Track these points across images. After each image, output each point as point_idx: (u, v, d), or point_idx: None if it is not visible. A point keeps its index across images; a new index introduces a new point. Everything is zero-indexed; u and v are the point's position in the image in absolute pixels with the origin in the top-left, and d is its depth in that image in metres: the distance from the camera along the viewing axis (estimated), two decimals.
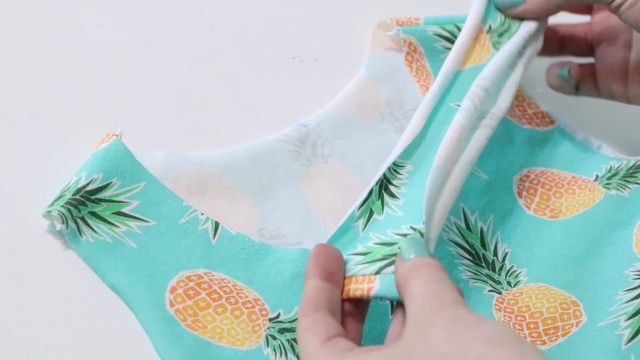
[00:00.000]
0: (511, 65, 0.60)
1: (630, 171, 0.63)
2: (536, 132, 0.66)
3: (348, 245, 0.51)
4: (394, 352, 0.44)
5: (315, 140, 0.60)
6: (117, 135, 0.55)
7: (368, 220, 0.52)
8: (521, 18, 0.62)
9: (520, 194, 0.62)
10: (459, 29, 0.65)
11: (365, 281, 0.49)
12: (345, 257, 0.50)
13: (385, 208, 0.52)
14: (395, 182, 0.54)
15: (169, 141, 0.58)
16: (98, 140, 0.55)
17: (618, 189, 0.62)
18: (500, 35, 0.61)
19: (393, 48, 0.66)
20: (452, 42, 0.65)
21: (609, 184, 0.63)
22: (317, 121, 0.61)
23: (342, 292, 0.49)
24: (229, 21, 0.66)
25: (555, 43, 0.66)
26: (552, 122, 0.67)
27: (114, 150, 0.54)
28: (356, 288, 0.49)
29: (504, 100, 0.59)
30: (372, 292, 0.48)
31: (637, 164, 0.63)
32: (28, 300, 0.50)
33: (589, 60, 0.66)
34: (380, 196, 0.53)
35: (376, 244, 0.50)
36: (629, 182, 0.62)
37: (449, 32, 0.65)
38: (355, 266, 0.49)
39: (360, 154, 0.61)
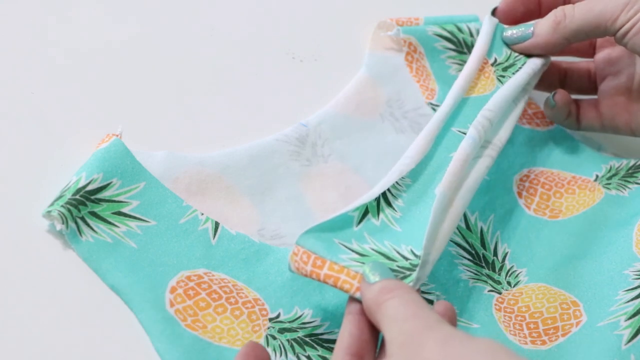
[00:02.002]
0: (514, 99, 0.60)
1: (630, 171, 0.63)
2: (536, 132, 0.66)
3: (341, 230, 0.51)
4: None
5: (315, 140, 0.60)
6: (117, 135, 0.55)
7: (363, 217, 0.52)
8: (529, 53, 0.63)
9: (520, 194, 0.62)
10: (459, 29, 0.66)
11: (357, 279, 0.49)
12: (336, 242, 0.50)
13: (381, 215, 0.52)
14: (392, 190, 0.54)
15: (169, 141, 0.58)
16: (98, 140, 0.55)
17: (618, 189, 0.62)
18: (505, 69, 0.62)
19: (393, 48, 0.66)
20: (452, 42, 0.65)
21: (609, 184, 0.63)
22: (317, 121, 0.61)
23: (322, 275, 0.49)
24: (229, 21, 0.66)
25: (556, 78, 0.66)
26: (552, 122, 0.67)
27: (114, 150, 0.54)
28: (345, 280, 0.49)
29: (505, 132, 0.59)
30: (359, 294, 0.48)
31: (637, 164, 0.63)
32: (28, 300, 0.50)
33: (592, 96, 0.66)
34: (377, 199, 0.53)
35: (373, 249, 0.50)
36: (629, 182, 0.62)
37: (449, 32, 0.65)
38: (350, 260, 0.49)
39: (360, 154, 0.61)
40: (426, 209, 0.53)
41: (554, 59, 0.65)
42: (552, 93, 0.64)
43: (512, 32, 0.63)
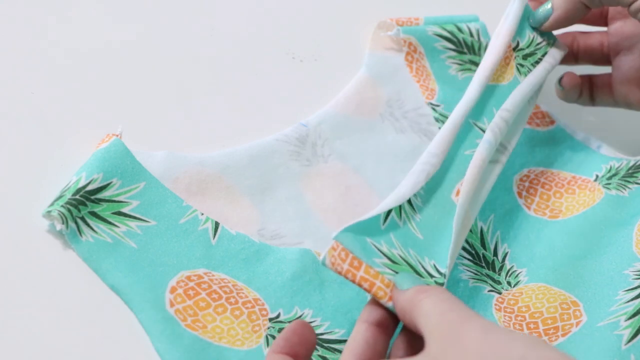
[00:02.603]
0: (529, 100, 0.60)
1: (630, 171, 0.63)
2: (536, 132, 0.66)
3: (371, 228, 0.50)
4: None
5: (315, 140, 0.60)
6: (117, 135, 0.55)
7: (388, 213, 0.52)
8: (556, 29, 0.62)
9: (520, 194, 0.62)
10: (459, 29, 0.66)
11: (390, 288, 0.49)
12: (368, 241, 0.50)
13: (404, 216, 0.52)
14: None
15: (169, 141, 0.58)
16: (98, 140, 0.55)
17: (618, 189, 0.62)
18: (525, 57, 0.61)
19: (393, 48, 0.66)
20: (452, 42, 0.65)
21: (609, 184, 0.63)
22: (317, 121, 0.61)
23: (359, 277, 0.49)
24: (229, 21, 0.66)
25: (570, 52, 0.66)
26: (552, 122, 0.67)
27: (114, 150, 0.54)
28: (380, 287, 0.48)
29: (517, 133, 0.59)
30: (391, 303, 0.48)
31: (637, 164, 0.63)
32: (28, 300, 0.50)
33: (606, 70, 0.66)
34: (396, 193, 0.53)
35: (401, 257, 0.50)
36: (629, 182, 0.62)
37: (449, 32, 0.65)
38: (383, 266, 0.49)
39: (360, 154, 0.61)
40: (443, 216, 0.53)
41: (566, 30, 0.65)
42: (560, 77, 0.64)
43: (536, 13, 0.63)
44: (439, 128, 0.63)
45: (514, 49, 0.61)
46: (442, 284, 0.50)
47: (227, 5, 0.67)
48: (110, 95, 0.59)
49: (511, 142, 0.59)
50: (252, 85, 0.63)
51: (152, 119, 0.59)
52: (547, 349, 0.42)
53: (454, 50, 0.65)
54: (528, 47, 0.62)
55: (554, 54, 0.63)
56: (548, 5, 0.62)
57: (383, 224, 0.51)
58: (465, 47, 0.65)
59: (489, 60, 0.60)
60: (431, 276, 0.50)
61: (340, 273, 0.49)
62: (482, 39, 0.67)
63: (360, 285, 0.48)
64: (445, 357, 0.43)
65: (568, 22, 0.62)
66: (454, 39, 0.65)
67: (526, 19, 0.63)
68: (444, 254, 0.51)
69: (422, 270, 0.50)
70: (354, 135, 0.62)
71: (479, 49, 0.66)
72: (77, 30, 0.61)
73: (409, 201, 0.53)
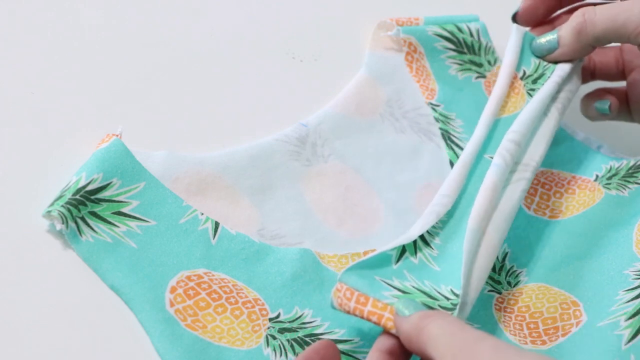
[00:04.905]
0: (545, 112, 0.60)
1: (630, 171, 0.63)
2: None
3: (380, 267, 0.51)
4: None
5: (315, 140, 0.60)
6: (117, 135, 0.55)
7: (400, 255, 0.52)
8: (558, 62, 0.62)
9: None
10: (459, 29, 0.66)
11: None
12: (377, 279, 0.50)
13: (419, 254, 0.52)
14: (429, 229, 0.54)
15: (169, 141, 0.58)
16: (98, 140, 0.55)
17: (618, 189, 0.62)
18: (535, 81, 0.61)
19: (393, 48, 0.66)
20: (452, 42, 0.65)
21: (609, 184, 0.63)
22: (317, 121, 0.61)
23: (366, 312, 0.49)
24: (229, 21, 0.66)
25: (587, 70, 0.66)
26: None
27: (114, 151, 0.54)
28: (389, 318, 0.49)
29: (539, 148, 0.59)
30: None
31: (637, 164, 0.63)
32: (28, 300, 0.50)
33: (622, 84, 0.65)
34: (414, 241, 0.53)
35: (414, 287, 0.50)
36: (629, 182, 0.62)
37: (449, 32, 0.65)
38: (392, 297, 0.49)
39: (360, 154, 0.61)
40: (461, 246, 0.53)
41: None
42: (607, 102, 0.63)
43: (538, 42, 0.62)
44: (439, 128, 0.63)
45: (521, 78, 0.61)
46: (456, 305, 0.49)
47: (228, 4, 0.67)
48: (109, 95, 0.59)
49: (532, 157, 0.58)
50: (252, 85, 0.63)
51: (152, 119, 0.59)
52: None
53: (454, 50, 0.65)
54: (536, 71, 0.62)
55: (563, 67, 0.62)
56: (554, 37, 0.62)
57: (395, 264, 0.51)
58: (465, 47, 0.65)
59: (494, 94, 0.60)
60: (447, 299, 0.50)
61: (348, 312, 0.50)
62: (482, 39, 0.67)
63: (369, 319, 0.49)
64: None
65: (573, 59, 0.62)
66: (454, 39, 0.65)
67: (528, 46, 0.63)
68: (459, 277, 0.51)
69: (437, 294, 0.50)
70: (353, 135, 0.62)
71: (479, 49, 0.66)
72: (77, 30, 0.61)
73: (424, 239, 0.53)
